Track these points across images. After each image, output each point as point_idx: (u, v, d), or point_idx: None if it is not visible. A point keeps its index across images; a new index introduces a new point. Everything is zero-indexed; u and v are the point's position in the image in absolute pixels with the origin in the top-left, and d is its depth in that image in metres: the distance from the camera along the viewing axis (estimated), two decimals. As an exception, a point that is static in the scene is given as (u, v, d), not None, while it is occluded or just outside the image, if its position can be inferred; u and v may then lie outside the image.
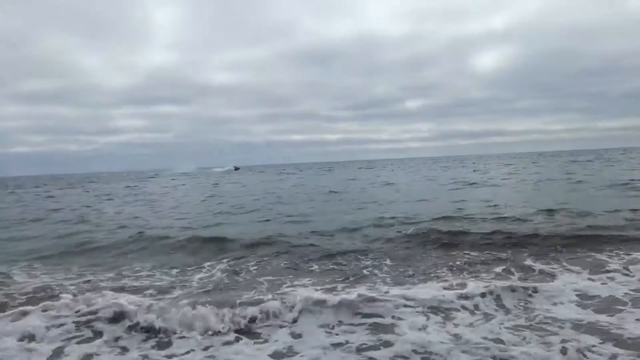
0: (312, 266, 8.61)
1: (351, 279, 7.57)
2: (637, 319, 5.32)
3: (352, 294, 6.23)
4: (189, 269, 8.81)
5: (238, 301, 6.19)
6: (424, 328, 5.35)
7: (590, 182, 23.01)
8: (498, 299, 6.11)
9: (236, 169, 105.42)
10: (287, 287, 7.16)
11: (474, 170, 45.00)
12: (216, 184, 43.80)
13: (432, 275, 7.60)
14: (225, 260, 9.25)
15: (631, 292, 6.27)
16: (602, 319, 5.39)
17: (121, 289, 7.29)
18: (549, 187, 22.12)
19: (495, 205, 15.59)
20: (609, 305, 5.85)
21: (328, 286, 7.11)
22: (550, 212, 13.27)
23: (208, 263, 9.17)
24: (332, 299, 6.03)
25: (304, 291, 6.66)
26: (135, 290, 7.23)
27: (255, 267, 8.68)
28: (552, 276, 7.20)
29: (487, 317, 5.63)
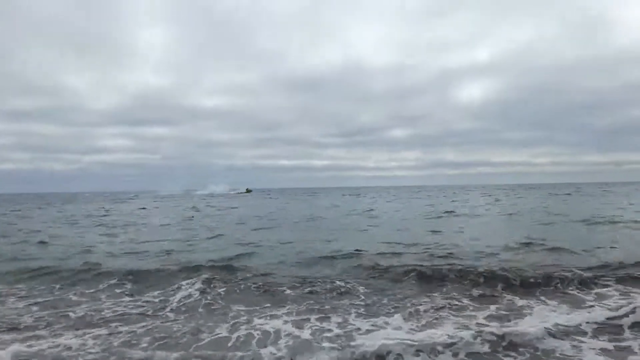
0: (287, 293, 8.46)
1: (326, 307, 7.50)
2: (593, 348, 5.44)
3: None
4: (157, 297, 8.53)
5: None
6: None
7: (570, 216, 23.30)
8: (466, 330, 6.01)
9: (248, 191, 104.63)
10: (261, 317, 7.01)
11: (453, 201, 45.17)
12: (195, 207, 43.22)
13: (406, 307, 7.51)
14: (197, 287, 8.96)
15: (595, 325, 6.28)
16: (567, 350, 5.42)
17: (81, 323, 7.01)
18: (527, 221, 22.16)
19: (473, 238, 15.46)
20: (573, 336, 5.91)
21: (303, 317, 7.01)
22: (527, 245, 13.25)
23: (183, 284, 8.96)
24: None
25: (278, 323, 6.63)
26: (95, 324, 6.91)
27: (230, 295, 8.46)
28: (527, 308, 7.23)
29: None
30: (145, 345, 5.93)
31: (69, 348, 5.77)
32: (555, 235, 15.48)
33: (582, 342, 5.76)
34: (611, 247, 12.73)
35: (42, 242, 16.00)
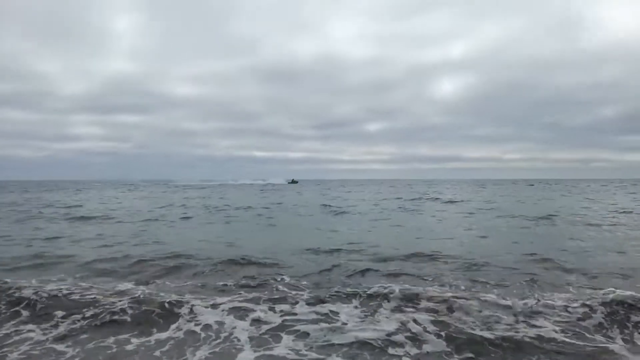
0: (230, 285, 8.44)
1: (275, 297, 7.54)
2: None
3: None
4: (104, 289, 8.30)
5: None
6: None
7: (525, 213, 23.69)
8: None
9: (294, 182, 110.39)
10: (207, 308, 6.94)
11: (425, 193, 45.59)
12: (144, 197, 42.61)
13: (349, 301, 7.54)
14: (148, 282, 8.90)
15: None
16: None
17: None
18: (482, 219, 22.28)
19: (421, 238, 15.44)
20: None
21: (249, 305, 7.06)
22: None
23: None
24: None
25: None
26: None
27: (179, 288, 8.39)
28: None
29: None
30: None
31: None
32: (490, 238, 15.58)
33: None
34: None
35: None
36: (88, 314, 6.63)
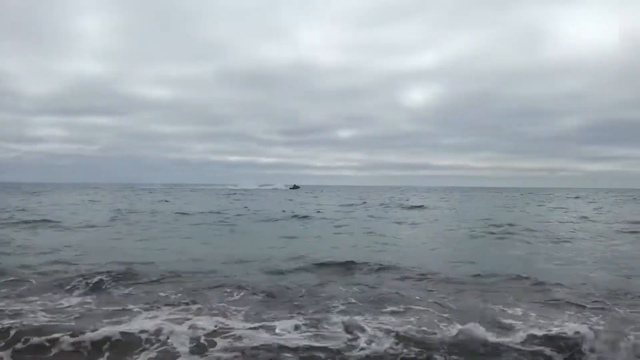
0: (172, 297, 8.17)
1: (213, 312, 7.29)
2: None
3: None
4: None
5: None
6: None
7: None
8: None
9: (295, 187, 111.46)
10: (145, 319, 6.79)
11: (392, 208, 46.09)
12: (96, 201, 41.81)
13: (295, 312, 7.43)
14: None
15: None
16: None
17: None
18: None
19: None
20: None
21: (189, 316, 6.89)
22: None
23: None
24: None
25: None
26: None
27: (117, 294, 8.31)
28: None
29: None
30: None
31: None
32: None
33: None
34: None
35: None
36: (18, 322, 6.36)
